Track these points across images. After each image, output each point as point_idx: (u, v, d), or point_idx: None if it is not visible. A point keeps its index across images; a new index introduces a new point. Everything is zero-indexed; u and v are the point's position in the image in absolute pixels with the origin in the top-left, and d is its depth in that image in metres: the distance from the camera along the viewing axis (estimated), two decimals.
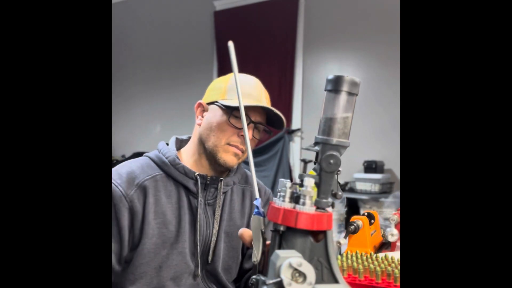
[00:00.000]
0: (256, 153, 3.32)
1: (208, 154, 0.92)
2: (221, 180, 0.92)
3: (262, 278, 0.47)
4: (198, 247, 0.89)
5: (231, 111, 0.88)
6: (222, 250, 0.94)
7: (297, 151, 3.45)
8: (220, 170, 0.94)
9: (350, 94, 0.51)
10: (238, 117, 0.88)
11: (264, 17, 3.53)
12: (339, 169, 0.51)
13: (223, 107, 0.89)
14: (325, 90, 0.52)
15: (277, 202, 0.50)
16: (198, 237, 0.89)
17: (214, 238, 0.91)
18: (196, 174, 0.89)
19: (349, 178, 3.01)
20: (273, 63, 3.47)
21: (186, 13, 4.02)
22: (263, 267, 0.53)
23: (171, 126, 4.03)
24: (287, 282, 0.39)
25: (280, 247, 0.50)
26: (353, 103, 0.51)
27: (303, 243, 0.49)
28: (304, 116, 3.43)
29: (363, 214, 1.18)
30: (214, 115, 0.91)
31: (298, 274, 0.40)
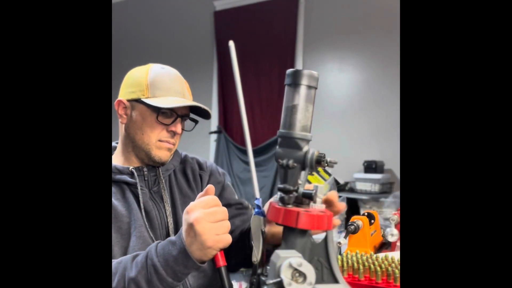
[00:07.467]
0: (256, 153, 3.32)
1: (139, 151, 0.92)
2: (158, 167, 0.93)
3: (262, 278, 0.47)
4: (158, 230, 0.87)
5: (158, 110, 0.89)
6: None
7: None
8: (154, 166, 0.94)
9: (309, 87, 0.56)
10: (166, 113, 0.90)
11: (264, 17, 3.53)
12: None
13: (151, 106, 0.90)
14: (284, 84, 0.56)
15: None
16: (155, 221, 0.87)
17: (170, 220, 0.90)
18: (130, 168, 0.90)
19: (349, 178, 3.00)
20: (273, 63, 3.46)
21: (186, 13, 4.02)
22: (263, 266, 0.53)
23: None
24: (287, 282, 0.39)
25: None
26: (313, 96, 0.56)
27: (303, 243, 0.49)
28: None
29: (363, 214, 1.18)
30: (141, 113, 0.91)
31: (298, 274, 0.40)
